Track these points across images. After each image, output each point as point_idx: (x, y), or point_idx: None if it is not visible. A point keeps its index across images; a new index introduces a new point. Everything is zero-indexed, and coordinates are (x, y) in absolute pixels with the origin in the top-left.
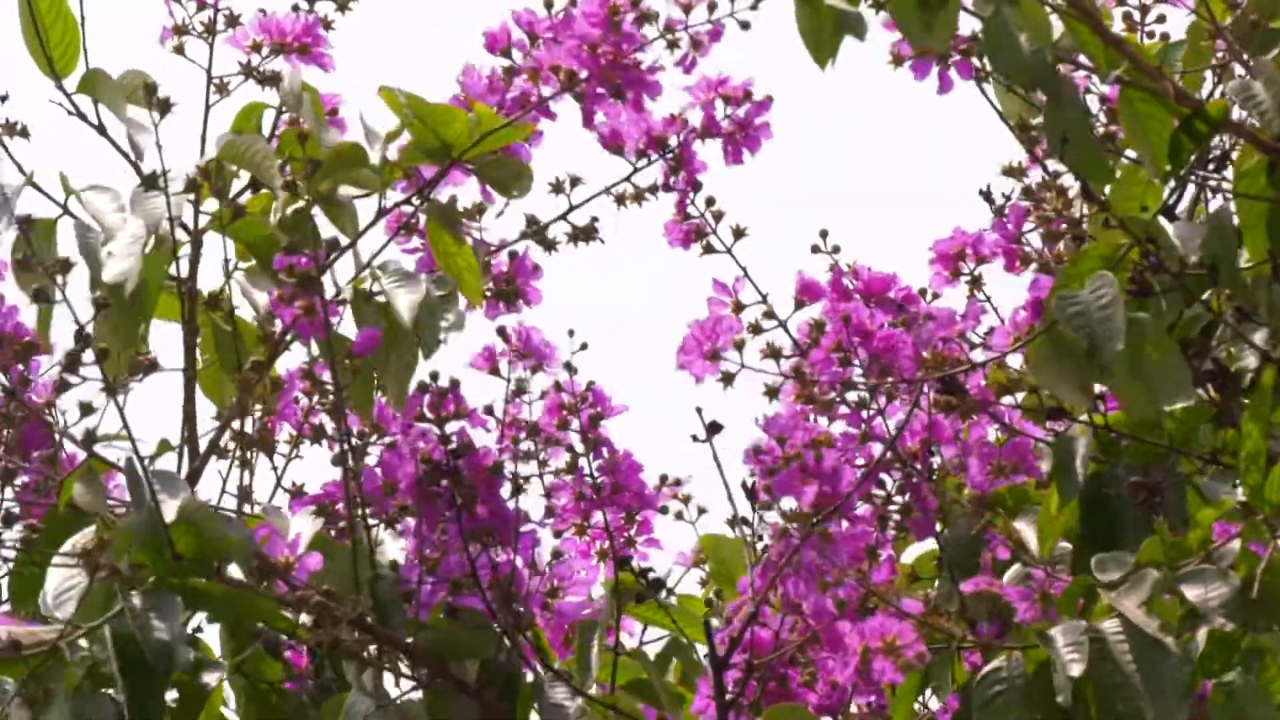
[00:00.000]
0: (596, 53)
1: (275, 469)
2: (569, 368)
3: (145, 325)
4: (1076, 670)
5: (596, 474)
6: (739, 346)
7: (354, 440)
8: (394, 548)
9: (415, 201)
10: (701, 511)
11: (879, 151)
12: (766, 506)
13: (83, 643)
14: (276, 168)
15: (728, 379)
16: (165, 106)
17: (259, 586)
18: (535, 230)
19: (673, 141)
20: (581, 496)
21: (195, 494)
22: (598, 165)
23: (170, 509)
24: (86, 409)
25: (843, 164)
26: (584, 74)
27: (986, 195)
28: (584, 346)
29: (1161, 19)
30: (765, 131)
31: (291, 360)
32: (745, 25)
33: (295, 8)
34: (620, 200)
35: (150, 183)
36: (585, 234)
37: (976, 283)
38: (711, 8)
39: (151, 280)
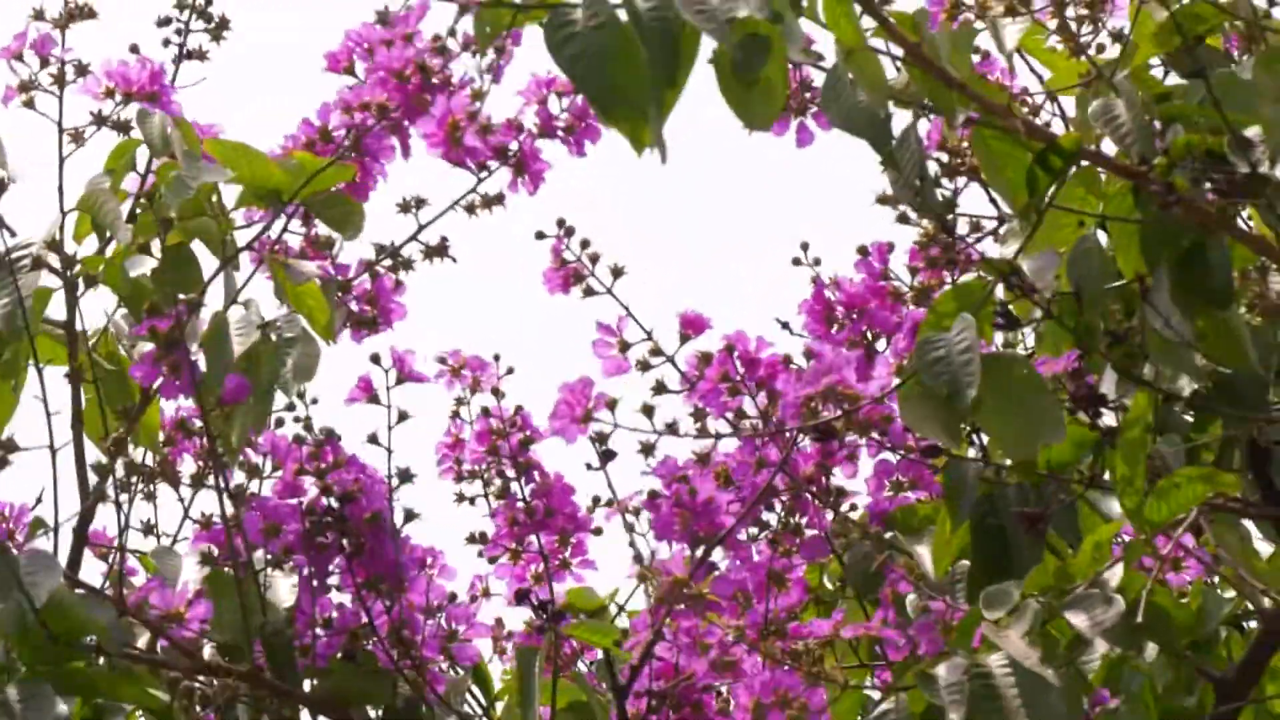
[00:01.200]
0: (405, 79)
1: (181, 500)
2: (496, 393)
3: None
4: (956, 716)
5: (529, 498)
6: (611, 406)
7: (232, 489)
8: (285, 587)
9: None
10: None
11: (747, 187)
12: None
13: None
14: (125, 226)
15: (601, 439)
16: (1, 187)
17: (142, 645)
18: (388, 253)
19: (513, 146)
20: (514, 521)
21: (84, 543)
22: (441, 179)
23: (41, 595)
24: None
25: (711, 201)
26: (394, 105)
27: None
28: (510, 371)
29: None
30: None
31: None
32: None
33: (166, 41)
34: (470, 210)
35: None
36: (438, 251)
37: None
38: None
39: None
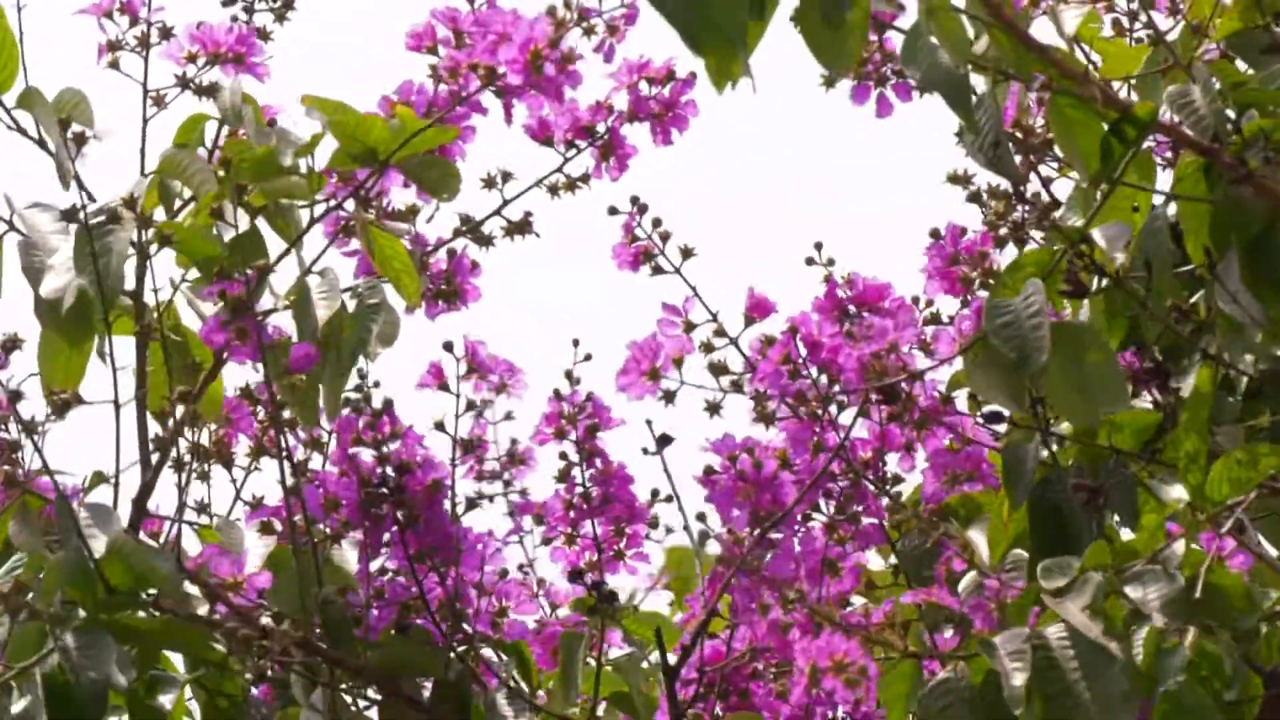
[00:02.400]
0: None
1: (234, 481)
2: (570, 377)
3: (86, 352)
4: (1019, 680)
5: (589, 484)
6: (678, 364)
7: (296, 458)
8: (344, 559)
9: (349, 206)
10: (669, 530)
11: (838, 165)
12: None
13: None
14: (215, 185)
15: (669, 397)
16: (81, 140)
17: (202, 613)
18: (470, 227)
19: (600, 128)
20: (571, 505)
21: (144, 514)
22: (530, 158)
23: (99, 544)
24: (14, 446)
25: (795, 180)
26: (502, 69)
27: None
28: (588, 357)
29: (1152, 24)
30: (691, 109)
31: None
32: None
33: (233, 19)
34: (553, 190)
35: (69, 216)
36: (520, 228)
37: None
38: None
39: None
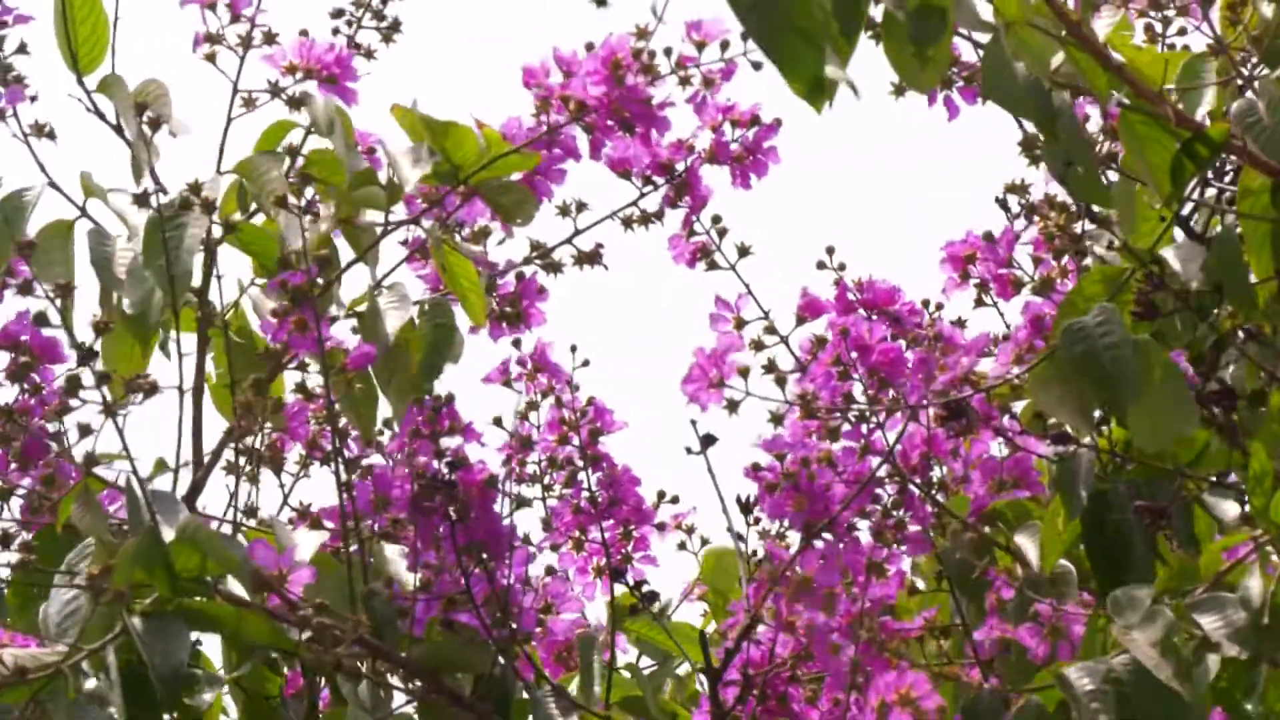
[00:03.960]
0: (618, 79)
1: (283, 487)
2: (571, 385)
3: (151, 345)
4: None
5: (595, 488)
6: (744, 374)
7: (348, 454)
8: (396, 560)
9: (424, 222)
10: (704, 542)
11: (888, 168)
12: (758, 520)
13: (85, 665)
14: (289, 190)
15: (733, 406)
16: (155, 125)
17: (256, 602)
18: (540, 253)
19: (679, 166)
20: (578, 510)
21: (193, 513)
22: (602, 188)
23: (169, 529)
24: (85, 430)
25: (850, 183)
26: (593, 105)
27: (1002, 204)
28: (586, 363)
29: (1183, 32)
30: (773, 156)
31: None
32: (757, 66)
33: (335, 31)
34: (627, 224)
35: (142, 201)
36: (590, 258)
37: (984, 288)
38: (724, 46)
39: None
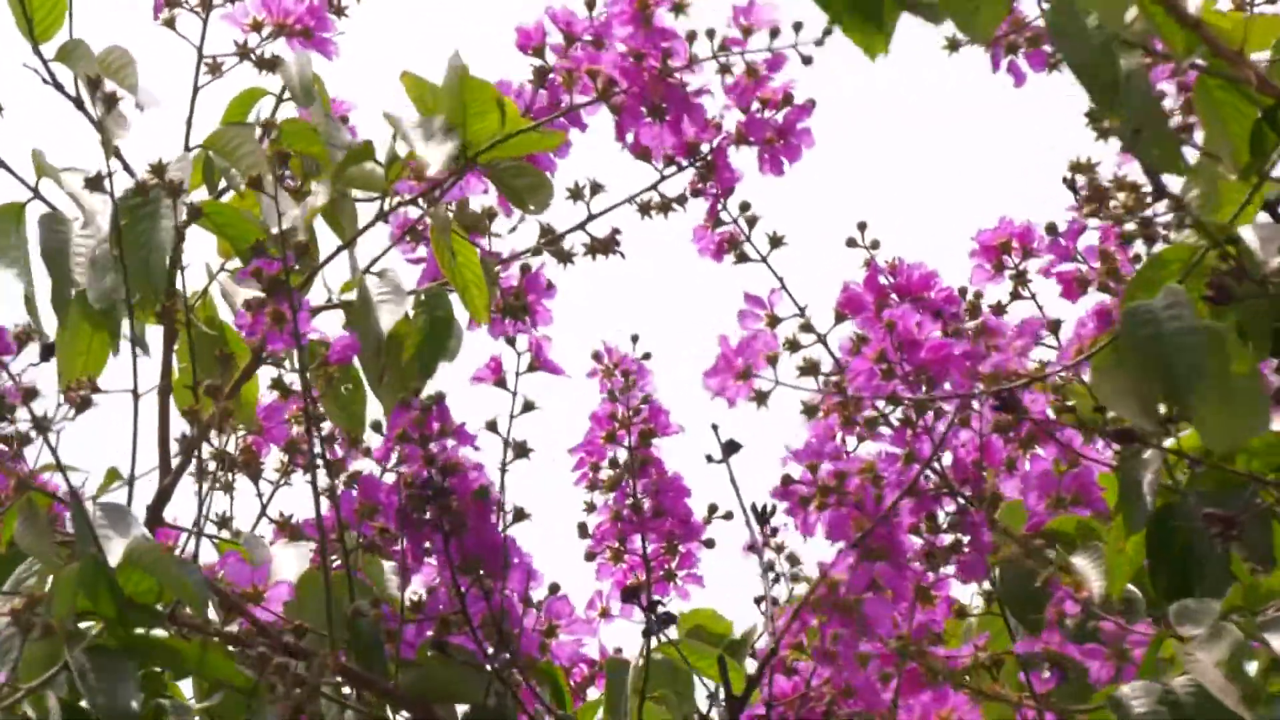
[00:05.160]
0: (641, 64)
1: (260, 495)
2: (626, 376)
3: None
4: None
5: (640, 494)
6: (773, 362)
7: (330, 457)
8: (379, 571)
9: (422, 204)
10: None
11: (930, 151)
12: (775, 532)
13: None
14: (267, 170)
15: (761, 398)
16: (111, 101)
17: (220, 628)
18: (550, 240)
19: (705, 148)
20: (619, 517)
21: (159, 525)
22: (618, 169)
23: (116, 551)
24: (24, 439)
25: (889, 165)
26: (623, 85)
27: (1071, 184)
28: (647, 356)
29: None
30: (806, 139)
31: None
32: (808, 60)
33: None
34: (644, 210)
35: (94, 184)
36: (605, 246)
37: (1021, 279)
38: (774, 33)
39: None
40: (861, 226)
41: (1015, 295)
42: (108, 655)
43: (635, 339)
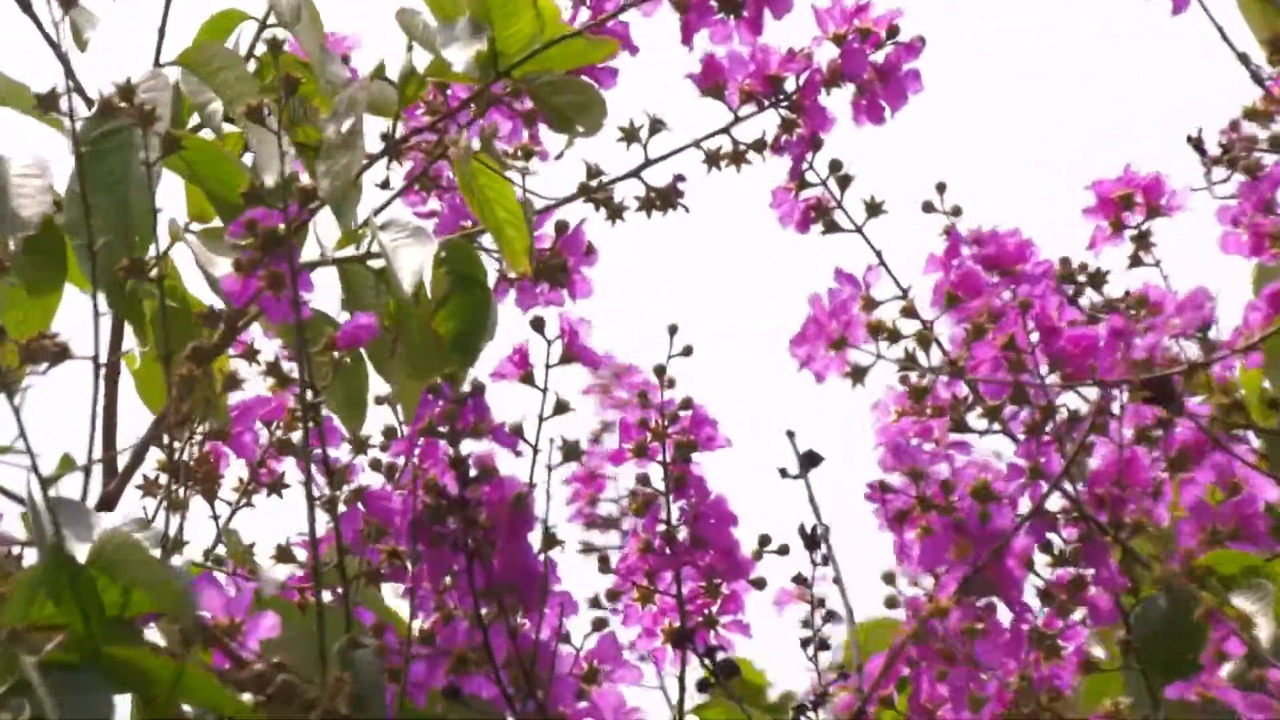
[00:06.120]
0: None
1: (215, 518)
2: (661, 374)
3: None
4: None
5: (675, 521)
6: (875, 333)
7: (325, 464)
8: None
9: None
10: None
11: (1049, 102)
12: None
13: None
14: (255, 96)
15: (858, 374)
16: (68, 3)
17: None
18: (599, 186)
19: (790, 85)
20: (649, 547)
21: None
22: (680, 109)
23: (82, 550)
24: None
25: (1000, 121)
26: None
27: (1197, 144)
28: (688, 351)
29: None
30: (913, 81)
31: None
32: None
33: None
34: (713, 160)
35: (48, 103)
36: (664, 198)
37: (1144, 240)
38: None
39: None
40: (940, 188)
41: (1135, 260)
42: (77, 673)
43: (674, 330)
